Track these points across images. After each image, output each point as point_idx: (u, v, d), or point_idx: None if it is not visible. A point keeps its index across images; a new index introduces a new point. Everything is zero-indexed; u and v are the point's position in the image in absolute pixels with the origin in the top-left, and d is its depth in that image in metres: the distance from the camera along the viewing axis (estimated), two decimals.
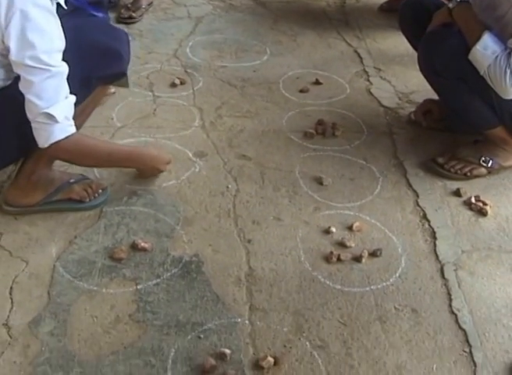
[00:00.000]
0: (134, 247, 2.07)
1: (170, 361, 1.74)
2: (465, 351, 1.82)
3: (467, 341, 1.85)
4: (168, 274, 2.00)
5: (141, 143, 2.60)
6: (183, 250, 2.10)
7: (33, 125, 1.91)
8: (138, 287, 1.94)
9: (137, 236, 2.13)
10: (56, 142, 1.93)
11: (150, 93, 2.99)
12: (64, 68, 1.89)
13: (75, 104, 1.97)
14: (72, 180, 2.25)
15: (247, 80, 3.17)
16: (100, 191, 2.27)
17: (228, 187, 2.40)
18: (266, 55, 3.45)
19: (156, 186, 2.38)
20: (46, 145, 1.94)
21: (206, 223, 2.23)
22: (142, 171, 2.36)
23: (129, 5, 3.73)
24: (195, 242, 2.14)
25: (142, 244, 2.07)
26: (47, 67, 1.83)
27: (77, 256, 2.05)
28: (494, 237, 2.25)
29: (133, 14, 3.68)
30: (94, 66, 2.08)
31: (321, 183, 2.45)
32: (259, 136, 2.73)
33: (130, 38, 2.19)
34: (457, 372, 1.76)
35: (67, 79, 1.90)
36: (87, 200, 2.23)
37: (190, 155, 2.56)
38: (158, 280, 1.97)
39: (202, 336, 1.81)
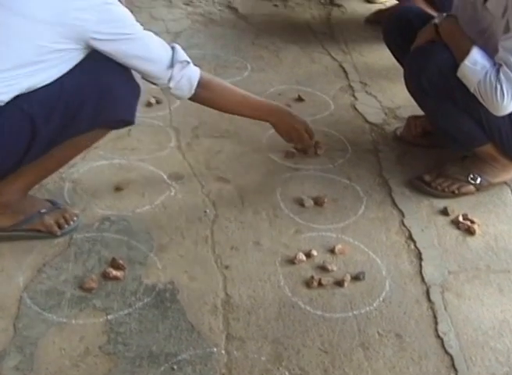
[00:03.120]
0: (106, 276, 2.09)
1: None
2: None
3: (453, 366, 1.87)
4: (141, 303, 2.01)
5: (114, 165, 2.63)
6: (157, 278, 2.12)
7: (173, 87, 2.16)
8: (109, 317, 1.96)
9: (109, 264, 2.14)
10: (198, 85, 2.19)
11: None
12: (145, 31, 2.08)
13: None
14: (43, 210, 2.24)
15: None
16: (73, 220, 2.28)
17: (206, 211, 2.42)
18: (247, 71, 3.49)
19: (130, 211, 2.39)
20: (193, 92, 2.20)
21: (182, 249, 2.24)
22: (278, 127, 2.52)
23: None
24: (170, 269, 2.15)
25: (114, 272, 2.09)
26: (133, 35, 2.02)
27: (46, 286, 2.06)
28: (482, 256, 2.28)
29: None
30: (104, 110, 2.07)
31: (302, 205, 2.48)
32: (238, 157, 2.76)
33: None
34: None
35: None
36: (58, 233, 2.23)
37: (165, 177, 2.59)
38: (130, 310, 1.98)
39: (176, 367, 1.83)
